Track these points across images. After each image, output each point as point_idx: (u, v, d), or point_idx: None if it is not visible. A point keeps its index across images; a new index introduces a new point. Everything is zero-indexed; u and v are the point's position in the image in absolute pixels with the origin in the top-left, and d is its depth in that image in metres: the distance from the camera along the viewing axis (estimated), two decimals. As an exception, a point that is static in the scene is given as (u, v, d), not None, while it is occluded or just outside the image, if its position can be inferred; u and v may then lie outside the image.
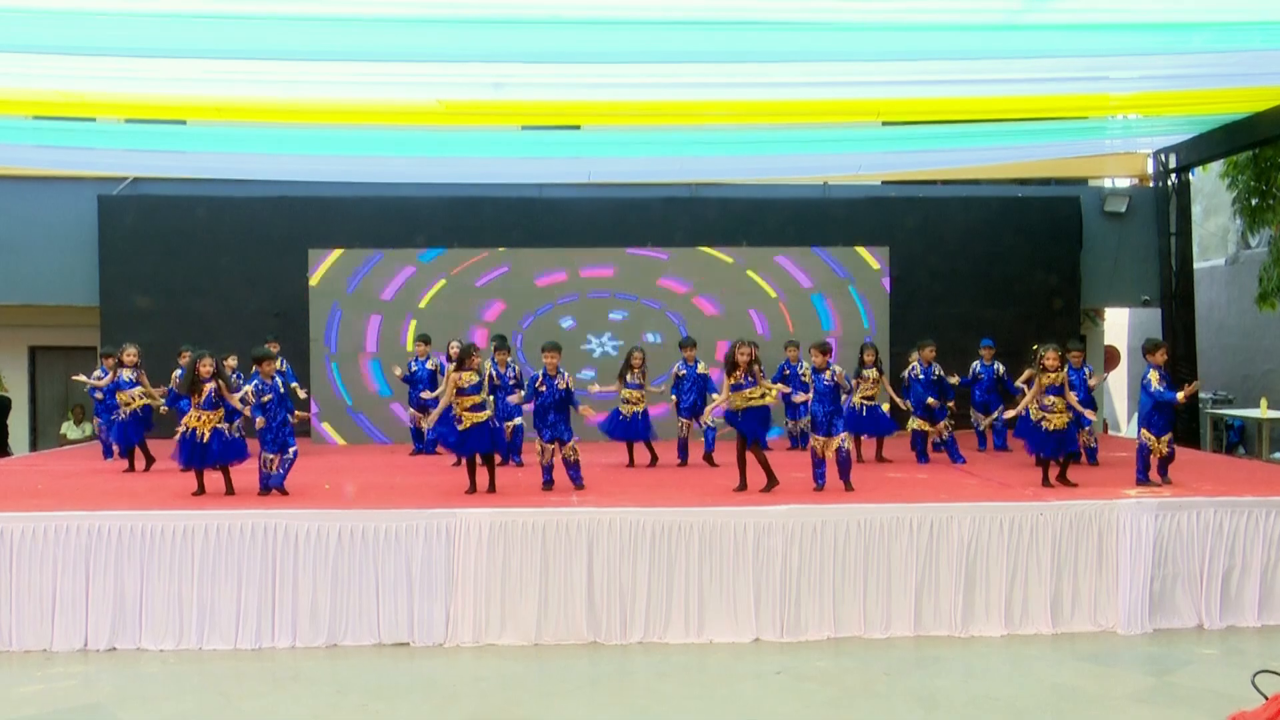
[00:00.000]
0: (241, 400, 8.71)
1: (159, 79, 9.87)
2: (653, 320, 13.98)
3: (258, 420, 8.79)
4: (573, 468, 9.05)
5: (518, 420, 10.74)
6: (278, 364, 8.97)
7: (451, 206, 14.82)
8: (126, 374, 10.68)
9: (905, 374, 11.32)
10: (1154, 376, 8.87)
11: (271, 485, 8.73)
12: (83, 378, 11.43)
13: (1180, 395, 8.80)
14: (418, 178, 14.61)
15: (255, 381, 8.76)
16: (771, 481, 8.77)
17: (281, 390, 8.90)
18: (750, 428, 8.77)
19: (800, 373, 11.22)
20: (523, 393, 9.56)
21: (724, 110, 11.57)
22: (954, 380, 11.42)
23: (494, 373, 10.28)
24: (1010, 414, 9.37)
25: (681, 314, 13.97)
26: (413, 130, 12.26)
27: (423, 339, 11.93)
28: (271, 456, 8.73)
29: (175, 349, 11.08)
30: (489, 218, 14.79)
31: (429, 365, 11.86)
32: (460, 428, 8.71)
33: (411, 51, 9.16)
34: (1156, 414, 8.97)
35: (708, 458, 10.82)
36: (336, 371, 13.84)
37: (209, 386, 8.63)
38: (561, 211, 14.90)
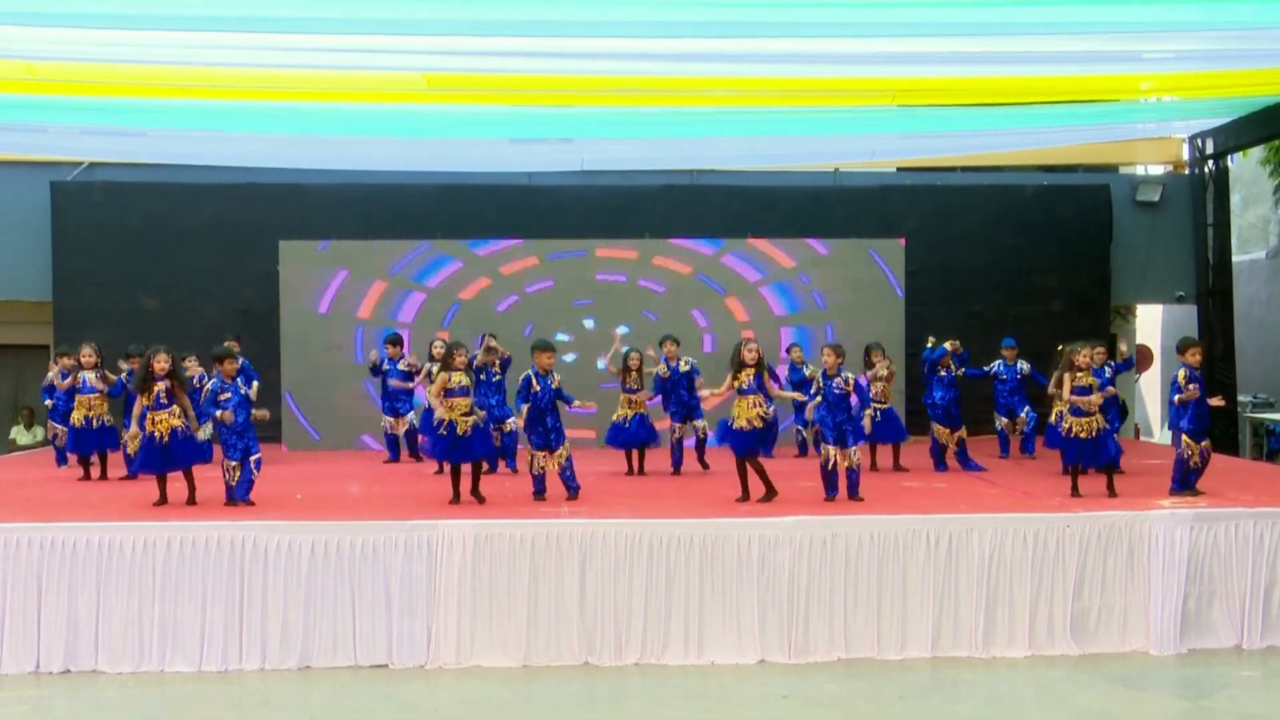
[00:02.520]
0: (202, 399, 8.76)
1: (114, 46, 9.82)
2: (642, 319, 13.96)
3: (206, 426, 8.78)
4: (566, 472, 9.05)
5: (510, 423, 10.76)
6: (239, 363, 8.95)
7: (435, 195, 14.84)
8: (88, 376, 10.62)
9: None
10: (1181, 375, 8.89)
11: (235, 497, 8.70)
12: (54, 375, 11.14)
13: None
14: (398, 164, 14.61)
15: (214, 381, 8.77)
16: (770, 493, 8.79)
17: (243, 391, 8.88)
18: (750, 446, 8.80)
19: (809, 375, 11.24)
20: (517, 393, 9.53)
21: (727, 87, 11.56)
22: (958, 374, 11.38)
23: (484, 373, 10.31)
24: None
25: (677, 312, 13.94)
26: (393, 109, 12.25)
27: (392, 339, 11.90)
28: (233, 464, 8.72)
29: (133, 345, 11.04)
30: (475, 207, 14.81)
31: (401, 367, 11.83)
32: (453, 433, 8.70)
33: (393, 24, 9.16)
34: (1186, 417, 8.97)
35: (702, 463, 10.86)
36: (309, 371, 13.81)
37: (160, 385, 8.58)
38: (553, 200, 14.91)
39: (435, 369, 9.59)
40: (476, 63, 10.40)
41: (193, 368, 10.60)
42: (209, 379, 9.51)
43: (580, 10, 9.06)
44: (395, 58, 10.30)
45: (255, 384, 10.53)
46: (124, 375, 10.63)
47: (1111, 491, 8.85)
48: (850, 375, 9.09)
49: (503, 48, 9.96)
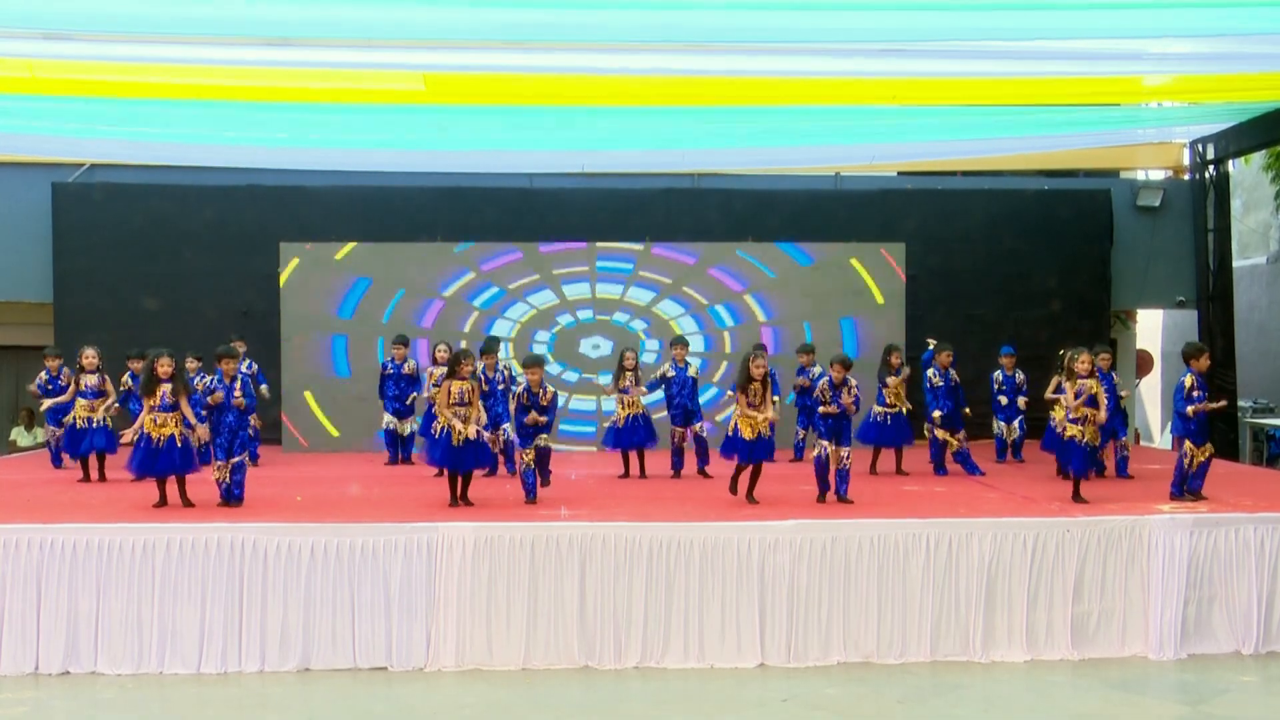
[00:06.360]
0: (196, 400, 8.83)
1: (117, 51, 9.84)
2: (642, 321, 13.97)
3: (200, 429, 8.82)
4: (544, 464, 9.07)
5: (506, 427, 10.75)
6: (244, 365, 8.97)
7: (435, 197, 14.84)
8: (89, 380, 10.60)
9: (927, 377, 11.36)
10: (1188, 381, 8.88)
11: (231, 496, 8.74)
12: (35, 390, 11.18)
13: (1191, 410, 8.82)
14: (398, 166, 14.61)
15: (212, 379, 8.87)
16: (733, 491, 8.98)
17: (237, 393, 8.90)
18: (758, 456, 8.85)
19: (812, 375, 11.30)
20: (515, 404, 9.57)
21: (727, 90, 11.53)
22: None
23: (482, 378, 10.31)
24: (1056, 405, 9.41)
25: (677, 314, 13.94)
26: (394, 113, 12.26)
27: (400, 340, 11.92)
28: (221, 463, 8.74)
29: (136, 349, 11.04)
30: (475, 209, 14.80)
31: (405, 370, 11.86)
32: (450, 440, 8.70)
33: (393, 28, 9.18)
34: (1192, 423, 8.95)
35: (702, 471, 10.84)
36: (310, 372, 13.81)
37: (164, 388, 8.63)
38: (553, 202, 14.92)
39: (440, 373, 9.57)
40: (476, 59, 10.39)
41: (192, 367, 10.61)
42: (207, 377, 9.55)
43: (580, 13, 9.07)
44: (394, 55, 10.29)
45: (264, 386, 10.79)
46: (128, 378, 10.68)
47: (1078, 497, 8.85)
48: (854, 383, 9.13)
49: (502, 48, 9.98)
